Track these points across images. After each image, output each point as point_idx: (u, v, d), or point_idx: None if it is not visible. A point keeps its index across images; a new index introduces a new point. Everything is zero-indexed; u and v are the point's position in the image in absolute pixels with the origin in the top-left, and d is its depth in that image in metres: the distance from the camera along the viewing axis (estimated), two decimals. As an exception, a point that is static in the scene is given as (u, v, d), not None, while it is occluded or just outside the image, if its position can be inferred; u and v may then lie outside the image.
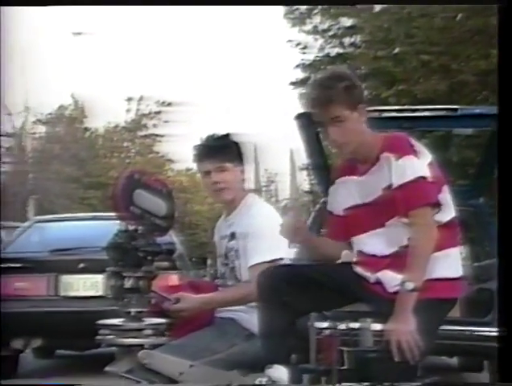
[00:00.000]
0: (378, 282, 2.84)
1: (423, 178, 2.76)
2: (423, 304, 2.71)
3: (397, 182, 2.77)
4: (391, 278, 2.79)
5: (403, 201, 2.77)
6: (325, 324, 2.80)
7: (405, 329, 2.69)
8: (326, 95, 2.85)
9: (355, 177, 2.93)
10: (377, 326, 2.74)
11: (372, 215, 2.86)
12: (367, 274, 2.88)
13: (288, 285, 2.87)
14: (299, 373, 2.77)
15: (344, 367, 2.74)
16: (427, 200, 2.78)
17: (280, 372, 2.76)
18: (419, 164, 2.78)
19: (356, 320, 2.77)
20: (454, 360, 6.51)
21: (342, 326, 2.77)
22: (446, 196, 2.87)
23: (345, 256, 3.02)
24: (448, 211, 2.87)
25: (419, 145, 2.84)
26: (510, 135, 2.80)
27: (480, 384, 4.95)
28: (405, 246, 2.79)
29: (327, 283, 2.90)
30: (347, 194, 2.96)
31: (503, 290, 2.71)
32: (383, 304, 2.77)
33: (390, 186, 2.80)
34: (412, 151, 2.79)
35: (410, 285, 2.69)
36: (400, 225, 2.81)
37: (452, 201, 2.89)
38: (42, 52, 42.61)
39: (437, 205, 2.80)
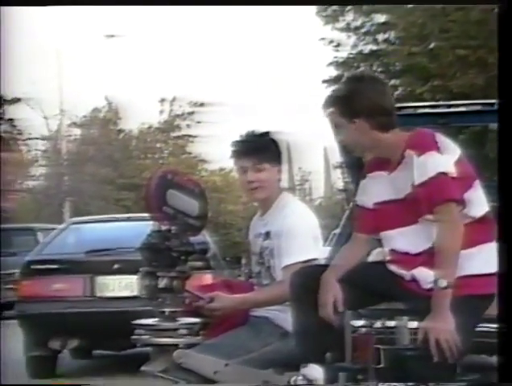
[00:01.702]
0: (414, 280, 2.81)
1: (445, 173, 2.72)
2: (460, 301, 2.67)
3: (419, 178, 2.75)
4: (426, 275, 2.75)
5: (427, 197, 2.74)
6: (361, 322, 2.77)
7: (444, 327, 2.65)
8: (326, 100, 2.90)
9: (385, 173, 2.91)
10: (414, 324, 2.70)
11: (403, 211, 2.83)
12: (402, 272, 2.84)
13: None
14: (334, 372, 2.74)
15: (381, 366, 2.71)
16: (449, 196, 2.74)
17: (315, 371, 2.74)
18: (441, 160, 2.74)
19: (392, 318, 2.74)
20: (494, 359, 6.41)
21: (378, 324, 2.74)
22: (478, 192, 2.83)
23: (378, 254, 2.99)
24: (481, 207, 2.83)
25: (445, 141, 2.80)
26: (510, 132, 2.74)
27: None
28: None
29: (361, 281, 2.87)
30: (378, 188, 2.93)
31: (504, 287, 2.65)
32: (419, 301, 2.74)
33: (414, 183, 2.77)
34: (435, 147, 2.76)
35: (443, 283, 2.66)
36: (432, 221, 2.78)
37: (487, 196, 2.85)
38: (76, 55, 43.04)
39: (462, 201, 2.76)
